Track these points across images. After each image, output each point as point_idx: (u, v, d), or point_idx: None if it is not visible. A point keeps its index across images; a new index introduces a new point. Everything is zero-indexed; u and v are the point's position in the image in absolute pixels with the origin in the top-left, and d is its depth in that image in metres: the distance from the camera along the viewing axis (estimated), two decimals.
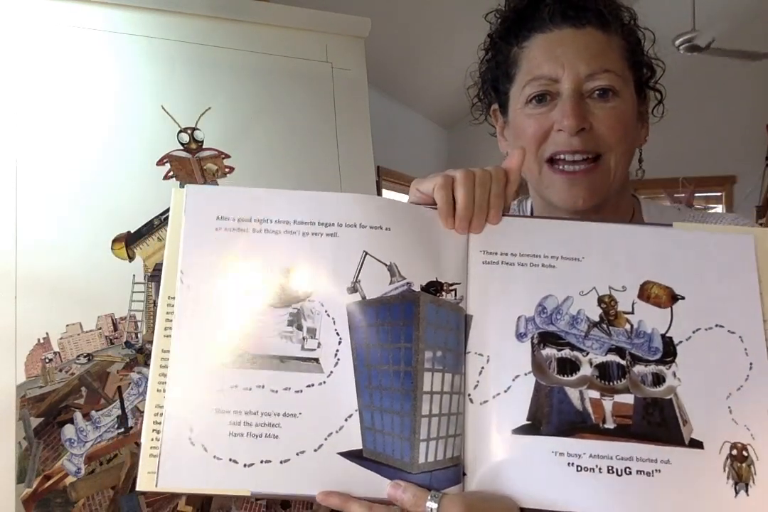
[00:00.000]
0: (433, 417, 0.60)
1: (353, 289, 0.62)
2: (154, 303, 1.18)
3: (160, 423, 0.59)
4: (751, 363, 0.62)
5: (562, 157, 0.77)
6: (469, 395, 0.62)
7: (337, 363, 0.61)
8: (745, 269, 0.65)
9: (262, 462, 0.58)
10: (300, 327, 0.61)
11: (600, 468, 0.59)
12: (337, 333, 0.62)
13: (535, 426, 0.60)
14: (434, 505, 0.57)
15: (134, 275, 1.16)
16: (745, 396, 0.61)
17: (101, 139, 1.17)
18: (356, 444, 0.60)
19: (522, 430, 0.60)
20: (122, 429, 1.12)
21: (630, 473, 0.59)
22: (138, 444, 1.13)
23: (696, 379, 0.61)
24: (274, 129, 1.32)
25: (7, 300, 1.06)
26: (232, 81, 1.29)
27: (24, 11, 1.13)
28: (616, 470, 0.59)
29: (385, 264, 0.62)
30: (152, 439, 0.59)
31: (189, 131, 1.24)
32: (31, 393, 1.06)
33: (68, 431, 1.08)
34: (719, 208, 4.87)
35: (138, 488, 0.58)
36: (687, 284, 0.64)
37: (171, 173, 1.22)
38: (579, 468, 0.59)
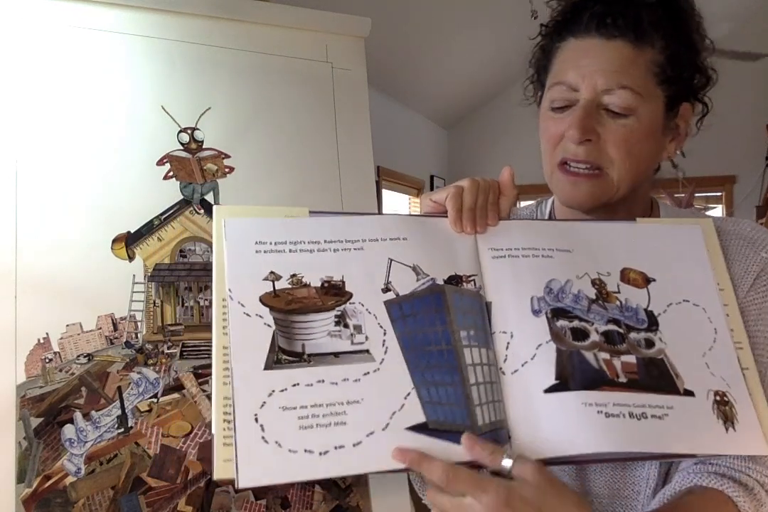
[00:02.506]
0: (479, 385, 0.68)
1: (386, 289, 0.71)
2: (154, 303, 1.18)
3: (229, 413, 0.64)
4: (715, 329, 0.75)
5: (568, 164, 0.83)
6: (500, 368, 0.70)
7: (386, 351, 0.68)
8: (697, 253, 0.78)
9: (336, 448, 0.63)
10: (346, 326, 0.69)
11: (624, 414, 0.68)
12: (381, 326, 0.69)
13: (563, 384, 0.69)
14: (509, 462, 0.62)
15: (134, 275, 1.16)
16: (716, 354, 0.73)
17: (101, 139, 1.17)
18: (419, 418, 0.66)
19: (553, 389, 0.69)
20: (122, 429, 1.12)
21: (646, 417, 0.68)
22: (138, 444, 1.13)
23: (676, 343, 0.73)
24: (274, 129, 1.32)
25: (7, 300, 1.06)
26: (232, 81, 1.29)
27: (24, 11, 1.13)
28: (636, 415, 0.68)
29: (410, 267, 0.72)
30: (224, 429, 0.64)
31: (189, 131, 1.24)
32: (31, 393, 1.06)
33: (68, 431, 1.08)
34: (719, 208, 4.87)
35: (215, 477, 0.62)
36: (655, 268, 0.77)
37: (171, 173, 1.22)
38: (607, 415, 0.68)
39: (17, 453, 1.04)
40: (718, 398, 0.71)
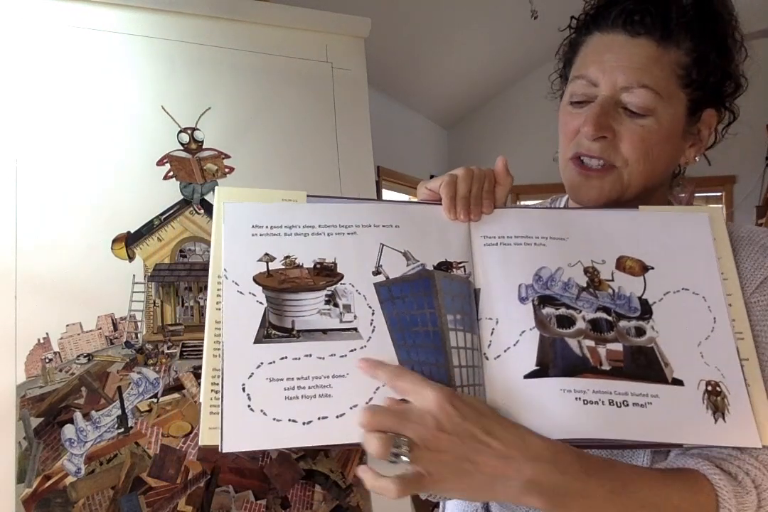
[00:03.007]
0: (462, 367, 0.69)
1: (377, 272, 0.72)
2: (154, 303, 1.18)
3: (217, 383, 0.66)
4: (714, 318, 0.74)
5: (581, 158, 0.82)
6: (484, 353, 0.71)
7: (373, 330, 0.70)
8: (702, 241, 0.77)
9: (319, 418, 0.65)
10: (336, 305, 0.71)
11: (603, 402, 0.68)
12: (369, 307, 0.71)
13: (543, 370, 0.69)
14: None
15: (134, 275, 1.17)
16: (713, 344, 0.72)
17: (101, 139, 1.17)
18: None
19: (533, 374, 0.69)
20: (122, 429, 1.12)
21: (627, 405, 0.68)
22: (138, 444, 1.13)
23: (671, 332, 0.73)
24: (274, 129, 1.32)
25: (7, 300, 1.06)
26: (232, 81, 1.29)
27: (24, 11, 1.13)
28: (616, 403, 0.68)
29: (401, 252, 0.73)
30: (211, 399, 0.66)
31: (189, 131, 1.24)
32: (31, 393, 1.06)
33: (68, 431, 1.08)
34: (719, 208, 4.87)
35: (201, 443, 0.64)
36: (655, 256, 0.76)
37: (171, 173, 1.22)
38: (585, 402, 0.68)
39: (17, 453, 1.04)
40: (709, 388, 0.70)
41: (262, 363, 0.67)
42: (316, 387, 0.67)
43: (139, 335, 1.16)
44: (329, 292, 0.71)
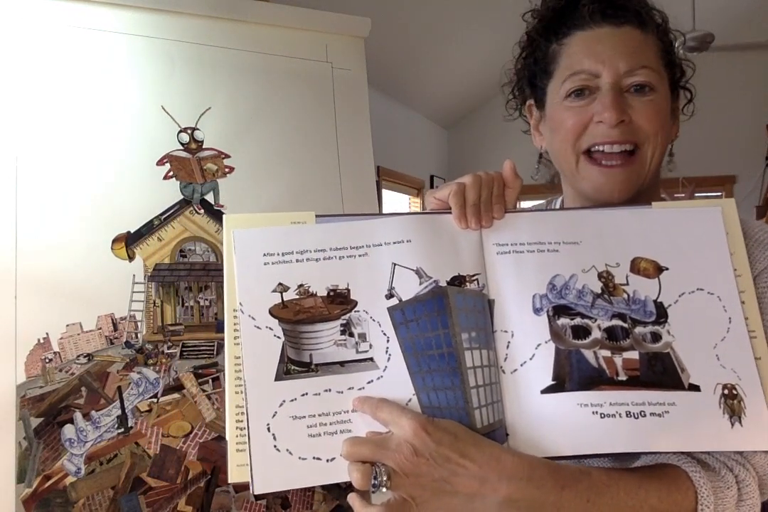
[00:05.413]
0: (479, 387, 0.68)
1: (390, 295, 0.71)
2: (154, 303, 1.18)
3: (241, 420, 0.67)
4: (729, 318, 0.72)
5: (599, 148, 0.81)
6: (501, 367, 0.70)
7: (389, 359, 0.69)
8: (716, 237, 0.76)
9: (341, 455, 0.65)
10: (352, 335, 0.70)
11: (620, 414, 0.68)
12: (384, 334, 0.70)
13: (559, 384, 0.69)
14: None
15: (134, 275, 1.17)
16: (729, 345, 0.71)
17: (101, 139, 1.17)
18: None
19: (549, 389, 0.69)
20: (122, 429, 1.12)
21: (645, 415, 0.68)
22: (138, 444, 1.13)
23: (686, 335, 0.72)
24: (274, 129, 1.32)
25: (7, 300, 1.06)
26: (232, 81, 1.29)
27: (24, 11, 1.13)
28: (633, 414, 0.68)
29: (413, 270, 0.72)
30: (236, 436, 0.67)
31: (189, 131, 1.24)
32: (31, 393, 1.06)
33: (68, 431, 1.08)
34: None
35: (230, 480, 0.66)
36: (669, 256, 0.75)
37: (171, 173, 1.22)
38: (602, 415, 0.68)
39: (17, 453, 1.04)
40: (726, 392, 0.69)
41: (284, 401, 0.67)
42: (336, 422, 0.67)
43: (139, 335, 1.16)
44: (344, 321, 0.70)
